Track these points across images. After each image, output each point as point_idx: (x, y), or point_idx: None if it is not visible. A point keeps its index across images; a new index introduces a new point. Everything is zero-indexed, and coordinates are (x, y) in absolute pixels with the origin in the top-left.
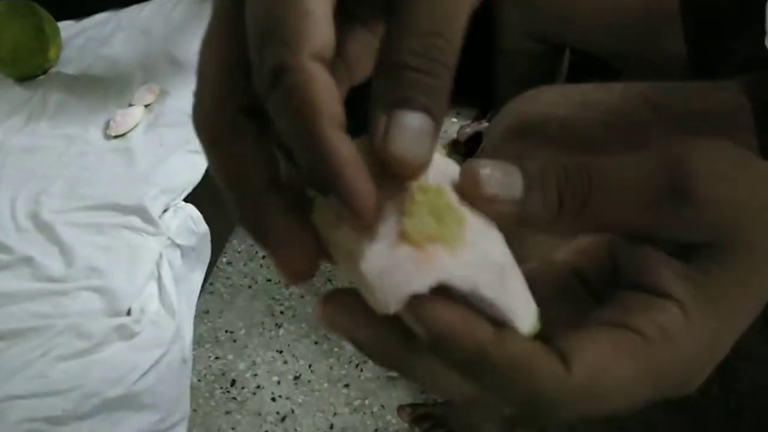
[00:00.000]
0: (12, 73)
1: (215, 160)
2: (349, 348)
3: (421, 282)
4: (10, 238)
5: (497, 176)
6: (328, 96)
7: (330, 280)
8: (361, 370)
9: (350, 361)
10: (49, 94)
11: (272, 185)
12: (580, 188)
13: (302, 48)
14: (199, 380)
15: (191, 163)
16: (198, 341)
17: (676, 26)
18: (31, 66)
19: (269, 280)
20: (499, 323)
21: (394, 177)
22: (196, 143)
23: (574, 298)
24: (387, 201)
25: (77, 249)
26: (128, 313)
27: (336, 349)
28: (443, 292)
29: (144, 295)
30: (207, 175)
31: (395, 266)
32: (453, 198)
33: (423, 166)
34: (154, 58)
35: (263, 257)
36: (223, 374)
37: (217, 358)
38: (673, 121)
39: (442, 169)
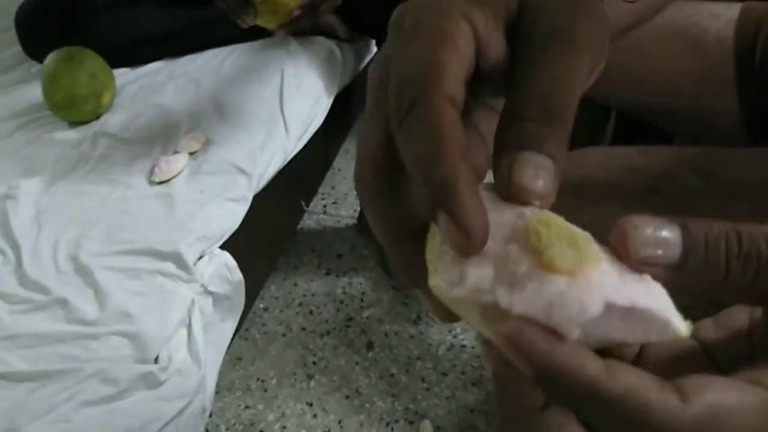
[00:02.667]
0: (66, 117)
1: (367, 212)
2: (380, 405)
3: (594, 305)
4: (49, 279)
5: (653, 235)
6: (454, 126)
7: (365, 332)
8: (392, 429)
9: (381, 419)
10: (99, 139)
11: (413, 230)
12: (753, 258)
13: (436, 88)
14: (227, 429)
15: (229, 211)
16: (229, 388)
17: (731, 91)
18: (85, 111)
19: (304, 329)
20: (659, 330)
21: (507, 222)
22: (235, 192)
23: (696, 369)
24: (509, 245)
25: (111, 293)
26: (156, 360)
27: (367, 405)
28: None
29: (173, 343)
30: (245, 223)
31: (562, 297)
32: (568, 222)
33: (546, 195)
34: (201, 108)
35: (299, 305)
36: (252, 424)
37: (246, 407)
38: (724, 190)
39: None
